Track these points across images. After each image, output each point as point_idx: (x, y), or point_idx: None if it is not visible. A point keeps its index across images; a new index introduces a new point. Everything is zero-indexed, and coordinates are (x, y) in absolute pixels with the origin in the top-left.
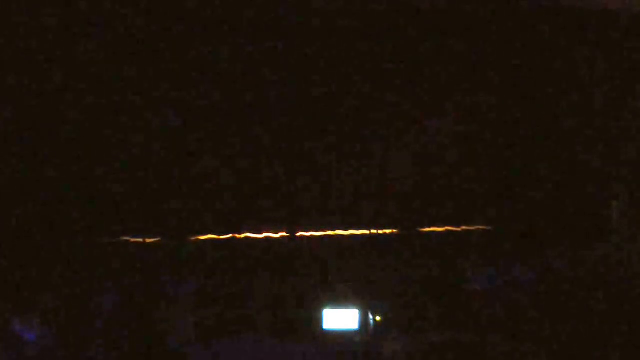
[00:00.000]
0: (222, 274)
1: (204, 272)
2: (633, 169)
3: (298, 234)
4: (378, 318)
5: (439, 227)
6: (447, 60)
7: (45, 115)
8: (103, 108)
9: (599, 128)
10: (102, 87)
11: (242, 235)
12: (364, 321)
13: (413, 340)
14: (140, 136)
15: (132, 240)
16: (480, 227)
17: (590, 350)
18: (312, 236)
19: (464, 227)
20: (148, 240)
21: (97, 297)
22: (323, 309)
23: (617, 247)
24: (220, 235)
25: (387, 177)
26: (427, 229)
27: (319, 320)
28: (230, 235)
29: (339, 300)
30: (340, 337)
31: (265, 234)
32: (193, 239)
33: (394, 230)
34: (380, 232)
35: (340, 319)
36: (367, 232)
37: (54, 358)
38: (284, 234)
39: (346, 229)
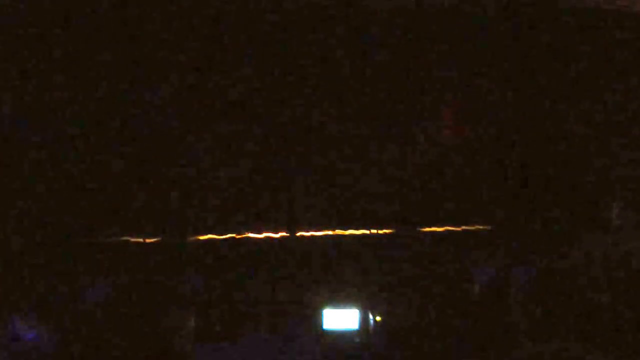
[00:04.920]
0: (222, 274)
1: (204, 272)
2: (633, 169)
3: (298, 234)
4: (378, 318)
5: (439, 227)
6: (448, 60)
7: (45, 114)
8: (102, 107)
9: (599, 128)
10: (101, 85)
11: (242, 235)
12: (364, 321)
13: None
14: (140, 135)
15: (132, 240)
16: (480, 227)
17: (590, 350)
18: (312, 236)
19: (464, 227)
20: (148, 240)
21: (96, 297)
22: (323, 309)
23: (617, 246)
24: (220, 235)
25: (387, 176)
26: (427, 229)
27: (319, 320)
28: (230, 235)
29: (339, 300)
30: (340, 337)
31: (265, 234)
32: (193, 239)
33: (394, 230)
34: (380, 232)
35: (340, 319)
36: (367, 232)
37: (53, 358)
38: (284, 234)
39: (346, 229)
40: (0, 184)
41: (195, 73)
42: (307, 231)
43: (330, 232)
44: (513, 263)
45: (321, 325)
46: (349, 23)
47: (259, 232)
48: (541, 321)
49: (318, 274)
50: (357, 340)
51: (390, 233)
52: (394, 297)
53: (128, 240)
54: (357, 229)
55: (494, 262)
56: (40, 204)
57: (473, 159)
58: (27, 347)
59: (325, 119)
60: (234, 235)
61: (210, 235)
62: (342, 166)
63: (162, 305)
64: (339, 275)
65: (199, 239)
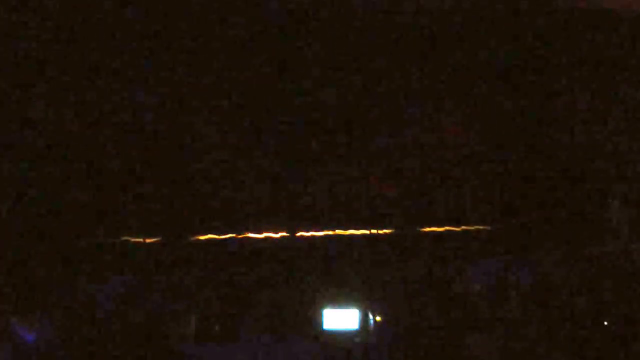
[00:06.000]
0: (222, 273)
1: (204, 272)
2: (633, 169)
3: (298, 234)
4: (378, 318)
5: (439, 227)
6: (448, 60)
7: (45, 115)
8: (103, 107)
9: (599, 128)
10: (101, 86)
11: (242, 235)
12: (364, 321)
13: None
14: (141, 136)
15: (132, 240)
16: (480, 227)
17: (590, 350)
18: (312, 236)
19: (464, 227)
20: (148, 240)
21: (96, 297)
22: (323, 309)
23: (617, 247)
24: (220, 235)
25: (387, 176)
26: (427, 229)
27: (319, 320)
28: (230, 235)
29: (339, 300)
30: (340, 337)
31: (265, 234)
32: (193, 239)
33: (394, 230)
34: (380, 232)
35: (340, 319)
36: (367, 232)
37: (54, 358)
38: (284, 234)
39: (346, 229)
40: (0, 185)
41: (196, 74)
42: (307, 231)
43: (330, 232)
44: (513, 263)
45: (321, 325)
46: (349, 24)
47: (259, 232)
48: (540, 320)
49: (318, 274)
50: (357, 340)
51: (390, 233)
52: (394, 297)
53: (128, 240)
54: (357, 229)
55: (493, 262)
56: (41, 205)
57: (473, 160)
58: (27, 348)
59: (325, 120)
60: (234, 235)
61: (210, 235)
62: (342, 167)
63: (162, 305)
64: (339, 275)
65: (199, 239)
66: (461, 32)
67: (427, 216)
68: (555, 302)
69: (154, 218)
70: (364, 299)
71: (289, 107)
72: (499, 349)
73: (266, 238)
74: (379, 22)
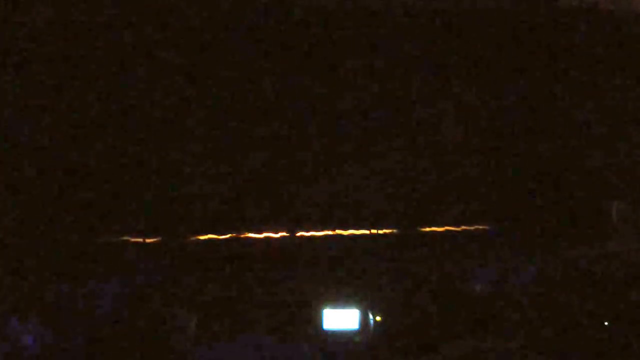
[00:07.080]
0: (222, 274)
1: (204, 272)
2: (633, 169)
3: (298, 234)
4: (378, 318)
5: (439, 227)
6: (447, 59)
7: (44, 114)
8: (102, 107)
9: (599, 127)
10: (101, 86)
11: (242, 235)
12: (364, 321)
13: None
14: (140, 136)
15: (132, 240)
16: (480, 227)
17: (590, 351)
18: (312, 236)
19: (464, 227)
20: (148, 240)
21: (96, 297)
22: (323, 309)
23: (617, 247)
24: (220, 235)
25: (388, 176)
26: (427, 229)
27: (319, 320)
28: (230, 235)
29: (339, 300)
30: (340, 337)
31: (265, 234)
32: (193, 239)
33: (394, 230)
34: (380, 232)
35: (340, 319)
36: (367, 232)
37: (53, 358)
38: (284, 234)
39: (346, 229)
40: None
41: (197, 72)
42: (307, 231)
43: (330, 232)
44: (513, 263)
45: (321, 325)
46: (349, 22)
47: (259, 232)
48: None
49: (318, 273)
50: (357, 340)
51: (390, 233)
52: (394, 297)
53: (128, 240)
54: (357, 229)
55: (494, 262)
56: (40, 204)
57: (473, 159)
58: (26, 348)
59: (325, 119)
60: (234, 235)
61: (210, 235)
62: (342, 166)
63: (162, 305)
64: (339, 275)
65: (199, 239)
66: (464, 30)
67: (427, 216)
68: (556, 302)
69: (154, 218)
70: (364, 299)
71: (288, 107)
72: (499, 349)
73: (266, 238)
74: (380, 22)
